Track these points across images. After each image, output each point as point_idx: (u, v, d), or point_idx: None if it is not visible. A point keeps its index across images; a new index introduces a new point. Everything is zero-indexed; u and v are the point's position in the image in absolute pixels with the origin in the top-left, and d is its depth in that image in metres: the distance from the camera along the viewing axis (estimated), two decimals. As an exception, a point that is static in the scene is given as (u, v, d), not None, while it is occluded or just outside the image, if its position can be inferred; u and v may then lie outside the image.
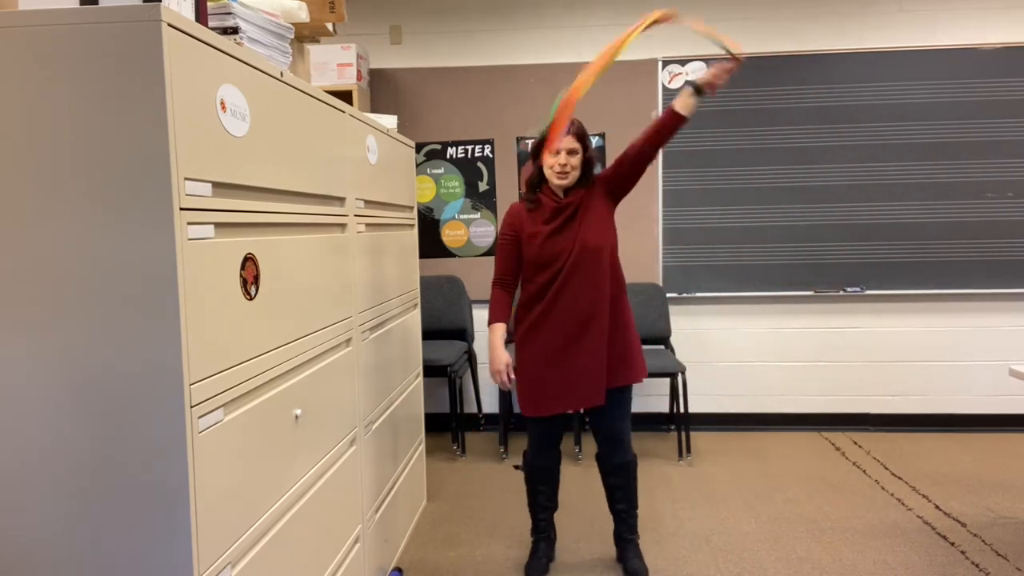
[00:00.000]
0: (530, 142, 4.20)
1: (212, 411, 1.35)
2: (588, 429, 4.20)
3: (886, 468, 3.62)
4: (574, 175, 2.39)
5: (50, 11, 1.20)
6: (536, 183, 2.47)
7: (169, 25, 1.21)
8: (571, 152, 2.37)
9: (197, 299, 1.29)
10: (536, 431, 2.53)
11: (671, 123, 2.33)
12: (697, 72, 2.26)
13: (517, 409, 4.37)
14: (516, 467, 2.57)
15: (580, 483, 3.45)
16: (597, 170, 2.51)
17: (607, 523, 2.98)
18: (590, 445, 4.00)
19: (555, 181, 2.39)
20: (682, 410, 3.82)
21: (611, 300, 2.42)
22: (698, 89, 2.29)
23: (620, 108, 4.12)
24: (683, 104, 2.32)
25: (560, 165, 2.37)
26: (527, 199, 2.46)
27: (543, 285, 2.41)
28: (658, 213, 4.15)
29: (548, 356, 2.41)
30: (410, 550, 2.81)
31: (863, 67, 4.01)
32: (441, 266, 4.29)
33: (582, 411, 2.50)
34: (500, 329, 2.47)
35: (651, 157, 2.39)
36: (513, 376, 2.47)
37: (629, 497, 2.57)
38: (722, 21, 4.12)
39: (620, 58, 4.09)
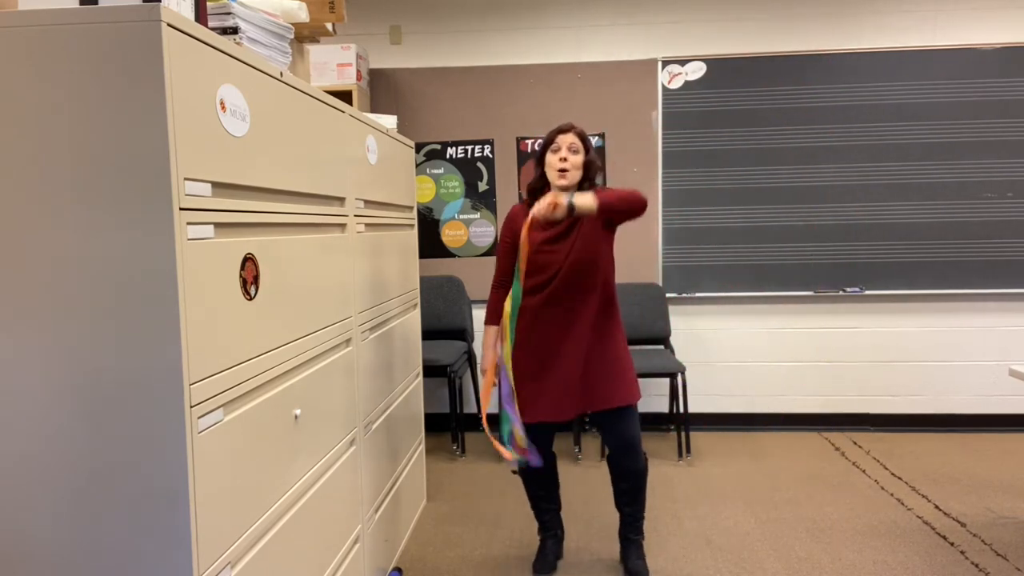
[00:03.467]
0: (534, 143, 4.20)
1: (212, 411, 1.35)
2: (588, 430, 4.21)
3: (886, 468, 3.62)
4: (575, 175, 2.38)
5: (50, 11, 1.20)
6: (538, 188, 2.46)
7: (169, 25, 1.21)
8: (572, 149, 2.36)
9: (197, 299, 1.29)
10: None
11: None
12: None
13: (517, 409, 4.37)
14: (513, 472, 2.57)
15: (580, 483, 3.45)
16: (600, 182, 2.50)
17: (607, 523, 2.98)
18: (589, 445, 4.01)
19: (556, 182, 2.38)
20: (682, 410, 3.82)
21: (601, 319, 2.41)
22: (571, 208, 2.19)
23: (620, 108, 4.12)
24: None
25: (561, 160, 2.35)
26: (527, 203, 2.46)
27: (531, 290, 2.42)
28: (658, 213, 4.15)
29: (531, 365, 2.43)
30: (410, 550, 2.81)
31: (863, 67, 4.01)
32: (441, 266, 4.29)
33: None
34: (493, 331, 2.53)
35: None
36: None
37: (637, 500, 2.57)
38: (722, 21, 4.13)
39: (619, 58, 4.12)
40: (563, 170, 2.36)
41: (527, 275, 2.42)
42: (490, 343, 2.52)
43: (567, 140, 2.36)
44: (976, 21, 4.03)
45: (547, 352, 2.41)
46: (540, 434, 2.50)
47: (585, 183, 2.41)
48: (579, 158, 2.38)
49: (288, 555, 1.69)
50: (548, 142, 2.40)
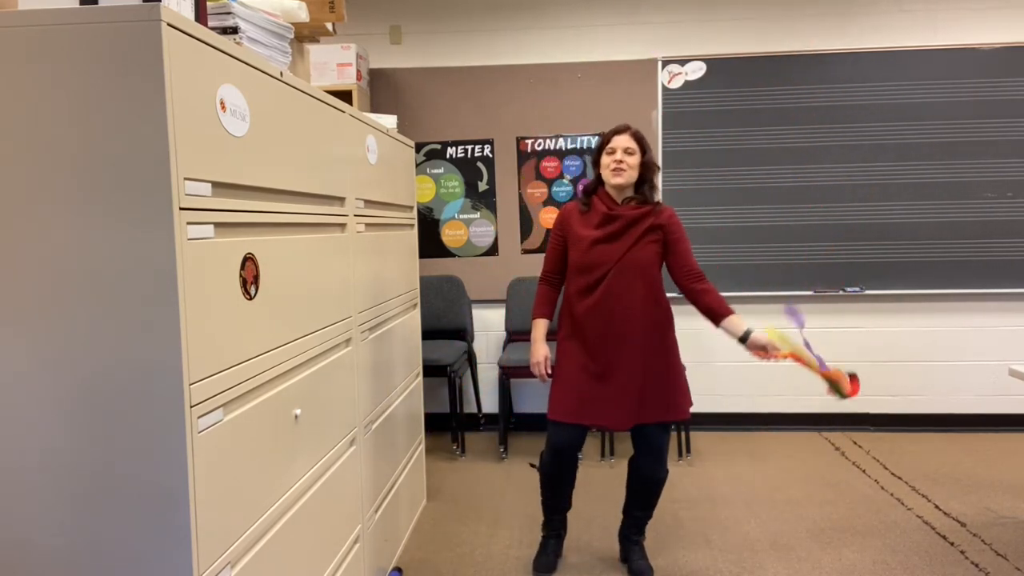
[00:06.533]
0: (534, 143, 4.19)
1: (212, 411, 1.35)
2: (589, 430, 4.20)
3: (886, 468, 3.62)
4: (630, 174, 2.38)
5: (50, 11, 1.20)
6: (592, 189, 2.48)
7: (169, 25, 1.21)
8: (628, 151, 2.38)
9: (197, 299, 1.29)
10: (558, 436, 2.46)
11: (712, 318, 2.43)
12: (759, 333, 2.32)
13: (517, 409, 4.37)
14: (532, 465, 2.55)
15: (580, 483, 3.45)
16: (662, 199, 2.51)
17: (607, 523, 2.98)
18: (590, 445, 4.00)
19: (611, 180, 2.39)
20: (682, 410, 3.81)
21: (656, 327, 2.41)
22: (743, 339, 2.34)
23: (620, 108, 4.12)
24: (732, 330, 2.37)
25: (616, 162, 2.37)
26: (581, 201, 2.48)
27: (583, 289, 2.42)
28: (658, 213, 4.15)
29: (585, 366, 2.41)
30: (410, 550, 2.81)
31: (863, 67, 4.01)
32: (441, 266, 4.29)
33: None
34: (542, 324, 2.53)
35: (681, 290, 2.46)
36: (551, 370, 2.50)
37: (650, 505, 2.57)
38: (722, 21, 4.13)
39: (619, 58, 4.12)
40: (618, 170, 2.37)
41: (577, 274, 2.43)
42: (540, 336, 2.51)
43: (622, 142, 2.39)
44: (976, 21, 4.03)
45: (603, 356, 2.40)
46: (574, 437, 2.46)
47: (644, 185, 2.43)
48: (635, 159, 2.39)
49: (288, 555, 1.69)
50: (603, 143, 2.43)
